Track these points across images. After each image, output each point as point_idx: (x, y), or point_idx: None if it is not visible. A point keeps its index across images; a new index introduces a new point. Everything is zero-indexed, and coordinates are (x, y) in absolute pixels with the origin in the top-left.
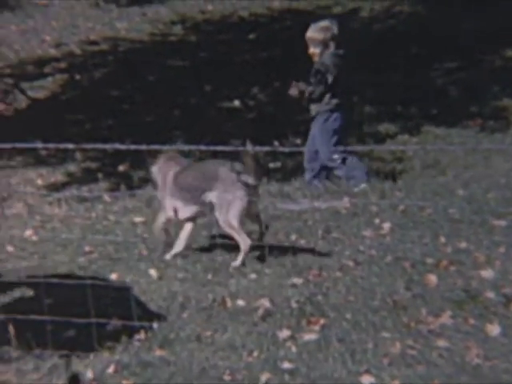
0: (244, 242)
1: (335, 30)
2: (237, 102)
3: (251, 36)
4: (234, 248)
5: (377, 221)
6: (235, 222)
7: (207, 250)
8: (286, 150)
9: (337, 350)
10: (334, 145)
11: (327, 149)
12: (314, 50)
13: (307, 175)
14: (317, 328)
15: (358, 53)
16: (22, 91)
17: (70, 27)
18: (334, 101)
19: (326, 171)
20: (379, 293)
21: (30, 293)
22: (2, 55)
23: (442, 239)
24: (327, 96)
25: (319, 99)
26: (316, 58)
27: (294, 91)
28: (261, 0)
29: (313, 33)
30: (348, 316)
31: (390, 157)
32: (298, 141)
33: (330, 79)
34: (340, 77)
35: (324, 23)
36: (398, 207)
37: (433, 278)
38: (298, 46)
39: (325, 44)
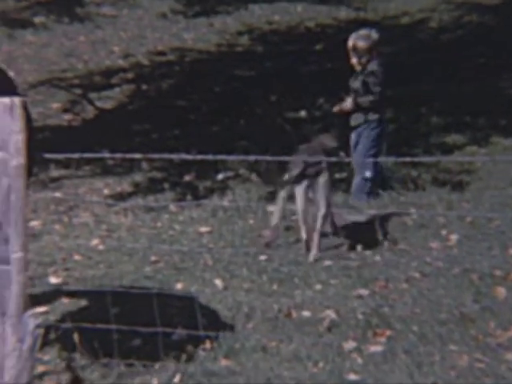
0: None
1: (376, 38)
2: (303, 113)
3: (317, 46)
4: (299, 260)
5: (444, 232)
6: None
7: (272, 260)
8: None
9: (403, 362)
10: (373, 155)
11: (365, 158)
12: (357, 60)
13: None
14: (383, 340)
15: (426, 63)
16: (90, 102)
17: (138, 38)
18: (382, 110)
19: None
20: (446, 305)
21: (96, 302)
22: (71, 66)
23: (511, 251)
24: (376, 105)
25: (369, 108)
26: (358, 68)
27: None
28: (327, 10)
29: (356, 42)
30: (414, 328)
31: (457, 168)
32: None
33: (379, 88)
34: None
35: (365, 31)
36: (466, 218)
37: (501, 291)
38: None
39: (369, 53)
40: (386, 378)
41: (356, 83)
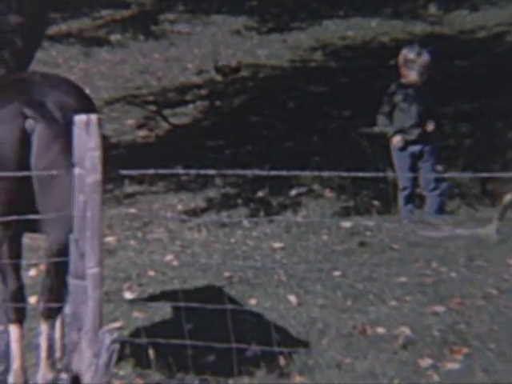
0: None
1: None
2: (377, 129)
3: (392, 62)
4: (373, 276)
5: None
6: None
7: (347, 276)
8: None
9: (480, 380)
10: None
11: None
12: (413, 73)
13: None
14: (460, 357)
15: (503, 77)
16: (164, 118)
17: (212, 54)
18: None
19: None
20: None
21: (170, 317)
22: (145, 83)
23: None
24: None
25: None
26: (417, 82)
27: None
28: (402, 25)
29: (417, 56)
30: (492, 345)
31: None
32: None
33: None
34: None
35: (419, 47)
36: None
37: None
38: (440, 72)
39: (429, 68)
40: None
41: (417, 105)
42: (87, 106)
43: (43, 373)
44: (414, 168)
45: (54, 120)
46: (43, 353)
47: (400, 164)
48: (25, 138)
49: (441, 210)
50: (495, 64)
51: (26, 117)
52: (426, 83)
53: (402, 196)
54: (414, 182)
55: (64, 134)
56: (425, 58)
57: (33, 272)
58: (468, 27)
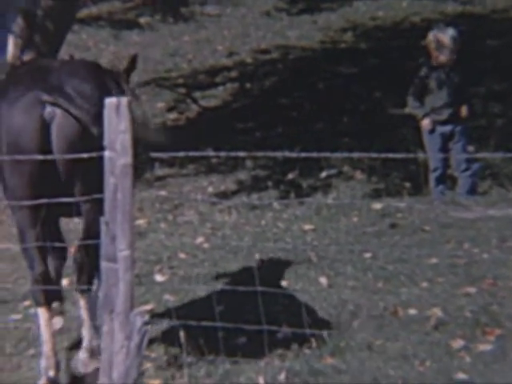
0: None
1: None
2: (407, 109)
3: (423, 42)
4: (404, 257)
5: None
6: None
7: (377, 258)
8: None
9: None
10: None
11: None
12: (443, 54)
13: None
14: (492, 338)
15: None
16: (195, 100)
17: (242, 36)
18: None
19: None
20: None
21: (201, 300)
22: (175, 65)
23: None
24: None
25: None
26: (447, 63)
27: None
28: (433, 5)
29: (449, 38)
30: None
31: None
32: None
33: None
34: None
35: (447, 27)
36: None
37: None
38: (472, 51)
39: (455, 49)
40: (495, 377)
41: (448, 85)
42: (106, 92)
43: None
44: (444, 149)
45: (73, 107)
46: (86, 324)
47: (431, 145)
48: (44, 126)
49: (473, 190)
50: None
51: (45, 104)
52: (455, 63)
53: (433, 177)
54: (445, 162)
55: (84, 121)
56: (447, 39)
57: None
58: (500, 6)
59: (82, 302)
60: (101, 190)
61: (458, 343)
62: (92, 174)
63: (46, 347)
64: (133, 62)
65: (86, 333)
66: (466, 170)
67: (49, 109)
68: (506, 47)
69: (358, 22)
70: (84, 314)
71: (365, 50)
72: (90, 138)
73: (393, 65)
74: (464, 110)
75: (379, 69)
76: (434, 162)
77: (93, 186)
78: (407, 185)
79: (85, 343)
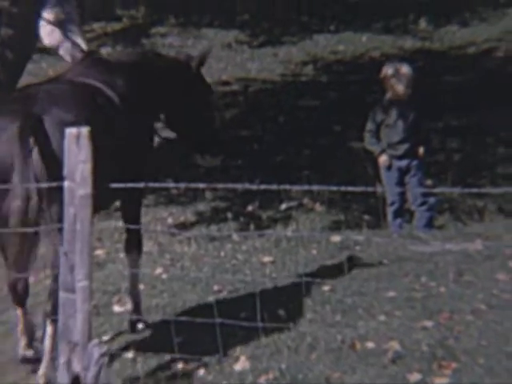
0: None
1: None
2: (364, 145)
3: (380, 76)
4: (363, 290)
5: (511, 264)
6: None
7: (336, 291)
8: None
9: None
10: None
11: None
12: (400, 87)
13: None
14: (448, 372)
15: (493, 93)
16: (155, 131)
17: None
18: None
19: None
20: None
21: (160, 331)
22: None
23: None
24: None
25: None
26: (401, 97)
27: None
28: (392, 40)
29: (407, 69)
30: (481, 361)
31: None
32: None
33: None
34: None
35: (398, 62)
36: None
37: None
38: (430, 87)
39: (413, 83)
40: None
41: (403, 120)
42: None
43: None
44: (401, 183)
45: (49, 138)
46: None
47: (388, 179)
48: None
49: (429, 224)
50: (485, 80)
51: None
52: (411, 98)
53: (390, 211)
54: (402, 196)
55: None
56: (404, 71)
57: None
58: (458, 43)
59: (50, 331)
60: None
61: (414, 377)
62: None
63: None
64: (204, 58)
65: (45, 362)
66: (423, 204)
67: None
68: (463, 83)
69: (319, 56)
70: (48, 342)
71: (325, 84)
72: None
73: (353, 98)
74: (421, 150)
75: (339, 102)
76: (391, 196)
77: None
78: (366, 218)
79: (41, 371)
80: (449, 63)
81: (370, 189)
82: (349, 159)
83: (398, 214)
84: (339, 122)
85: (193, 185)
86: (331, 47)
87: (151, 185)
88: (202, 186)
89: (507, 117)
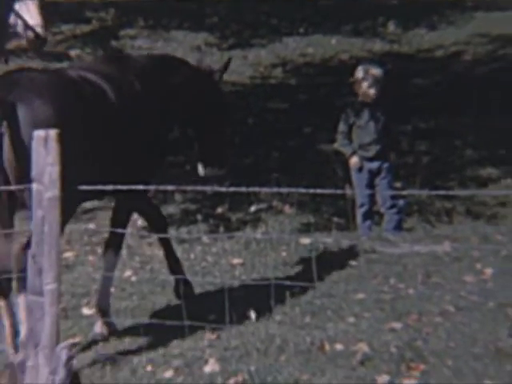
0: None
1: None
2: (336, 146)
3: (352, 79)
4: (332, 292)
5: (478, 266)
6: None
7: (305, 293)
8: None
9: None
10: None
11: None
12: (371, 90)
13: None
14: (417, 374)
15: (461, 96)
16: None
17: None
18: None
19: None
20: (481, 339)
21: (129, 333)
22: None
23: None
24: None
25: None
26: (370, 99)
27: None
28: (361, 43)
29: (379, 71)
30: (449, 362)
31: (492, 201)
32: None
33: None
34: None
35: (375, 65)
36: (501, 252)
37: None
38: (398, 90)
39: (381, 84)
40: None
41: (373, 122)
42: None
43: None
44: (371, 185)
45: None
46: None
47: (358, 181)
48: None
49: (399, 227)
50: (453, 82)
51: None
52: (380, 100)
53: (359, 213)
54: (372, 198)
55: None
56: (373, 72)
57: None
58: (426, 46)
59: (22, 302)
60: None
61: (383, 378)
62: None
63: None
64: (227, 64)
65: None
66: (392, 206)
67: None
68: (431, 86)
69: (288, 58)
70: (22, 314)
71: (294, 86)
72: None
73: (322, 101)
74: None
75: (309, 105)
76: (360, 198)
77: None
78: (336, 220)
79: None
80: (417, 66)
81: (339, 191)
82: (318, 161)
83: (367, 215)
84: (308, 124)
85: (162, 187)
86: (300, 50)
87: (119, 187)
88: (171, 188)
89: (475, 120)
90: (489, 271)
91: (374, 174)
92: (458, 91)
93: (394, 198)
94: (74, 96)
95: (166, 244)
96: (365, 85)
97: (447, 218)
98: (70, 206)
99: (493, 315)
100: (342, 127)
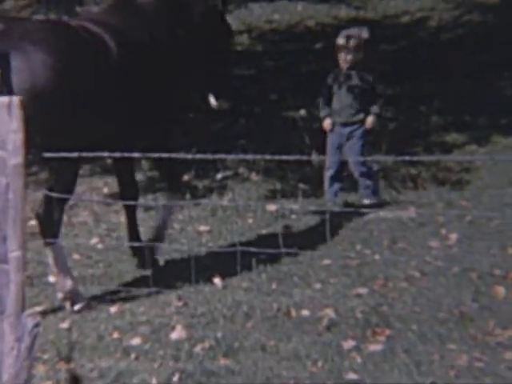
0: None
1: (366, 36)
2: (302, 112)
3: (317, 45)
4: (299, 259)
5: (443, 231)
6: None
7: (272, 259)
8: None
9: (402, 362)
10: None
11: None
12: (348, 56)
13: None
14: (382, 339)
15: (426, 62)
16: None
17: None
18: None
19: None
20: (446, 304)
21: (96, 301)
22: None
23: (510, 250)
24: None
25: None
26: (346, 65)
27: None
28: (327, 9)
29: (346, 40)
30: (414, 327)
31: (457, 167)
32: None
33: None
34: None
35: (355, 30)
36: (466, 217)
37: (501, 290)
38: (364, 56)
39: (358, 51)
40: (385, 377)
41: (348, 86)
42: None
43: None
44: (341, 150)
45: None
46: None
47: (328, 145)
48: None
49: (375, 193)
50: (418, 48)
51: None
52: (359, 66)
53: (326, 176)
54: (340, 163)
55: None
56: (350, 40)
57: None
58: (391, 12)
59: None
60: None
61: (349, 344)
62: None
63: None
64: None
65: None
66: (364, 173)
67: None
68: (397, 52)
69: (254, 25)
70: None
71: (260, 53)
72: None
73: (288, 68)
74: (369, 122)
75: (275, 71)
76: (328, 161)
77: None
78: (302, 186)
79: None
80: (383, 32)
81: (305, 157)
82: (284, 128)
83: (333, 180)
84: (275, 90)
85: (128, 154)
86: (266, 16)
87: (85, 154)
88: (137, 155)
89: (440, 85)
90: (453, 236)
91: (345, 139)
92: (423, 57)
93: (365, 164)
94: (69, 44)
95: (132, 213)
96: (342, 51)
97: (412, 183)
98: (71, 165)
99: (457, 280)
100: (323, 92)
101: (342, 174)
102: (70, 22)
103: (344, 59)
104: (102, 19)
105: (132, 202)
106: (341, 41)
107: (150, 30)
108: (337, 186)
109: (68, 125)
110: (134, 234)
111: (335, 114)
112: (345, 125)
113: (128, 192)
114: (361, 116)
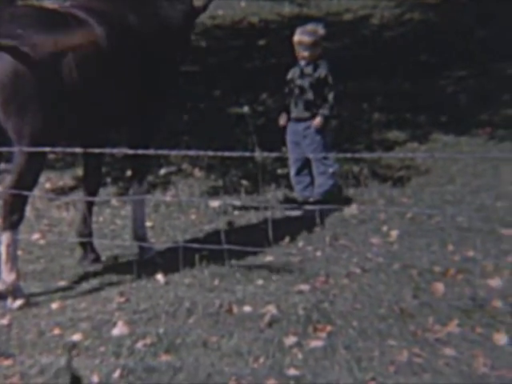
0: None
1: (323, 33)
2: (246, 108)
3: (261, 42)
4: (241, 254)
5: (385, 228)
6: None
7: (214, 256)
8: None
9: (343, 358)
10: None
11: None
12: (303, 53)
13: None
14: (323, 335)
15: (368, 60)
16: None
17: None
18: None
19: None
20: (386, 300)
21: (37, 297)
22: None
23: (450, 247)
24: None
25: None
26: (303, 62)
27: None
28: (270, 6)
29: (302, 36)
30: (355, 323)
31: (398, 164)
32: None
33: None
34: None
35: (311, 26)
36: (406, 215)
37: (440, 287)
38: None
39: (314, 47)
40: (325, 373)
41: (303, 81)
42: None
43: None
44: (299, 145)
45: None
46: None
47: (287, 142)
48: None
49: (326, 192)
50: (361, 46)
51: None
52: (314, 62)
53: (291, 174)
54: (302, 159)
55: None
56: (296, 36)
57: None
58: (334, 9)
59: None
60: None
61: (290, 340)
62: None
63: None
64: (207, 5)
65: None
66: (324, 172)
67: None
68: (339, 50)
69: (198, 21)
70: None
71: (204, 49)
72: None
73: (231, 64)
74: (317, 120)
75: (218, 67)
76: (290, 159)
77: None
78: (245, 183)
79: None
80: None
81: (248, 154)
82: (228, 124)
83: (298, 176)
84: (218, 87)
85: (70, 149)
86: (210, 12)
87: (26, 149)
88: (79, 150)
89: (382, 83)
90: (394, 233)
91: (299, 136)
92: (365, 55)
93: (324, 163)
94: (54, 30)
95: (91, 206)
96: (299, 47)
97: (354, 180)
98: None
99: (397, 277)
100: (285, 88)
101: (306, 170)
102: (60, 8)
103: (302, 55)
104: (92, 6)
105: (80, 198)
106: (297, 37)
107: (136, 16)
108: (304, 182)
109: (51, 113)
110: (85, 227)
111: (290, 109)
112: (298, 120)
113: (91, 184)
114: (314, 111)
